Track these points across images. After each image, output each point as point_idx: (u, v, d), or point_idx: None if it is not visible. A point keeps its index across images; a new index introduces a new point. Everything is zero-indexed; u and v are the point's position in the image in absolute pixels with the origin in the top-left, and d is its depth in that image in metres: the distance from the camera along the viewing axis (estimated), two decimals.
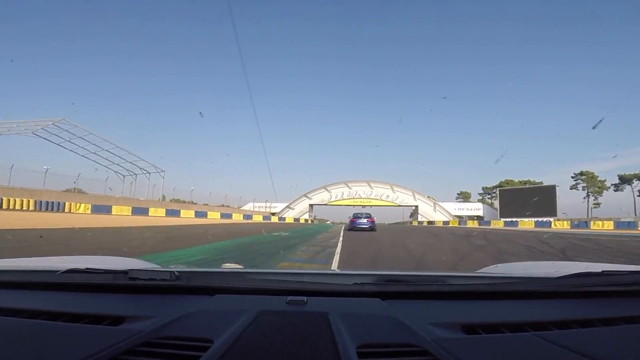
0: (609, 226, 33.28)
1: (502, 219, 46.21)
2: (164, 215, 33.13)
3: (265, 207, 58.75)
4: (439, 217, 56.33)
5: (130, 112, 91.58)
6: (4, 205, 22.75)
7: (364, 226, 17.75)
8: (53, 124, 33.60)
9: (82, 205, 27.54)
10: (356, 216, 19.16)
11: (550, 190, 47.02)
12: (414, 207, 60.49)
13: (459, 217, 55.92)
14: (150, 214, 31.95)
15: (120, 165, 41.13)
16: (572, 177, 57.88)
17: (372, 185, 60.94)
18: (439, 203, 59.26)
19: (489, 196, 66.84)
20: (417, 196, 59.86)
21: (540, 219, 40.89)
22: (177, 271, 1.00)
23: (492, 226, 39.45)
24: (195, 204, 43.11)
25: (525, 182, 59.00)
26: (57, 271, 1.03)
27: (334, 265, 5.33)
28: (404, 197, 60.34)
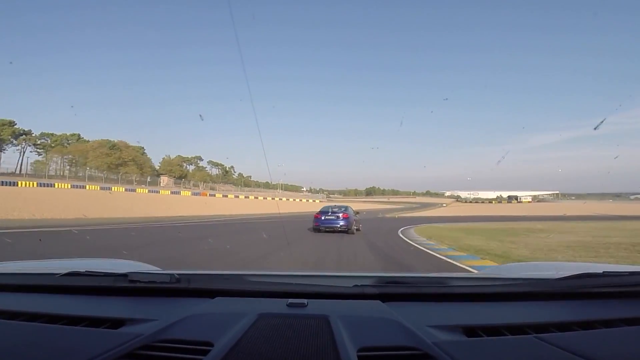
0: None
1: None
2: None
3: None
4: None
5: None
6: None
7: (335, 225, 11.98)
8: None
9: None
10: (323, 212, 12.78)
11: None
12: None
13: None
14: None
15: None
16: None
17: None
18: None
19: None
20: None
21: None
22: (177, 274, 1.00)
23: None
24: None
25: None
26: (57, 274, 1.03)
27: None
28: None
